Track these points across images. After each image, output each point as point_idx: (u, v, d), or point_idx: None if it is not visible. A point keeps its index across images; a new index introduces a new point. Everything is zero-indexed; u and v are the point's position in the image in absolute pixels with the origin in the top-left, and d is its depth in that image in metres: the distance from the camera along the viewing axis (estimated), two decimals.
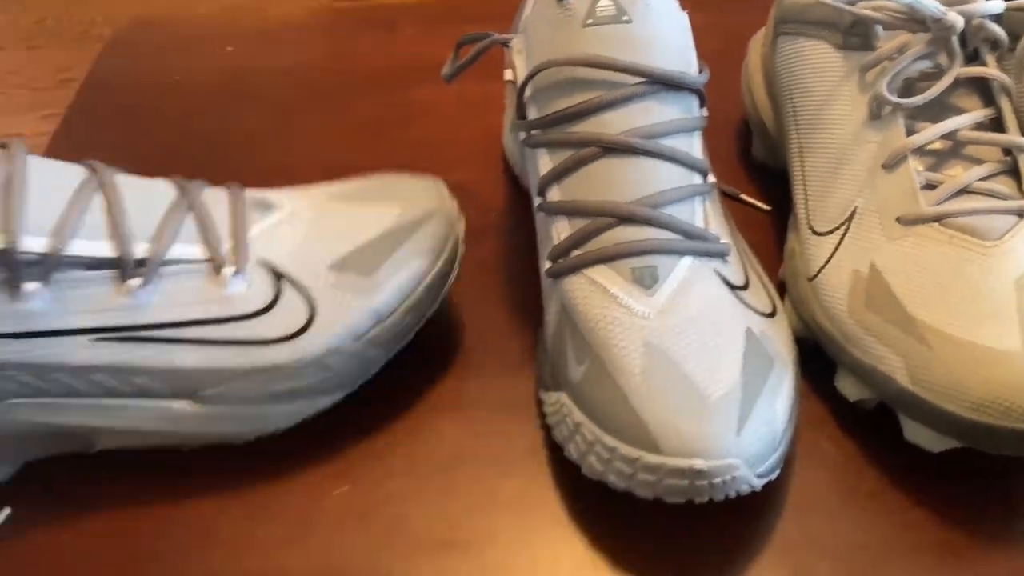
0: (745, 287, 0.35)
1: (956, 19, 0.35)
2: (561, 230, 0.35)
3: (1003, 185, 0.35)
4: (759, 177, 0.49)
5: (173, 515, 0.34)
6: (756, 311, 0.34)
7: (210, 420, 0.34)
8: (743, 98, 0.49)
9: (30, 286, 0.30)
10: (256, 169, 0.50)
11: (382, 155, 0.51)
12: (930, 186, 0.35)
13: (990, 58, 0.37)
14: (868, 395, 0.35)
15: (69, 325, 0.31)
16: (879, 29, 0.38)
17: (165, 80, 0.59)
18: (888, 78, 0.36)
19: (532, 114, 0.36)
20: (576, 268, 0.34)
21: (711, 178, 0.36)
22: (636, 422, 0.30)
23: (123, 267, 0.31)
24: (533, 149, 0.36)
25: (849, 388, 0.36)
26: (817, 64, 0.40)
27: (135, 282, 0.32)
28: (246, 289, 0.33)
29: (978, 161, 0.36)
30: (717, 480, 0.29)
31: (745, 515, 0.34)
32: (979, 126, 0.36)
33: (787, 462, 0.34)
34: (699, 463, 0.29)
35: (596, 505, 0.34)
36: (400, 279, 0.35)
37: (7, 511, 0.34)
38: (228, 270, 0.33)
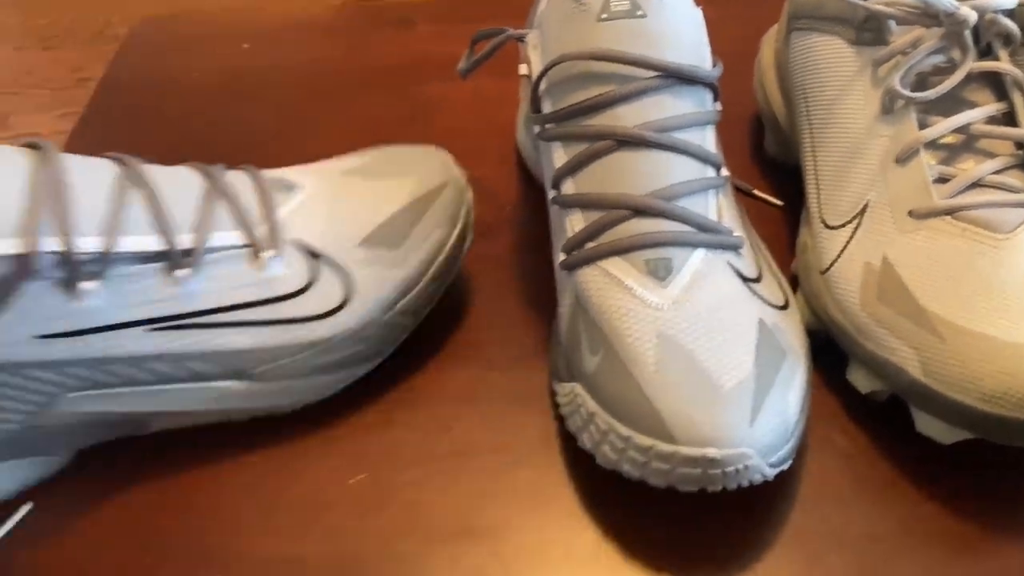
0: (758, 280, 0.35)
1: (969, 14, 0.35)
2: (575, 223, 0.35)
3: (1015, 179, 0.35)
4: (771, 173, 0.49)
5: (193, 503, 0.35)
6: (769, 303, 0.35)
7: (258, 396, 0.35)
8: (756, 94, 0.50)
9: (86, 285, 0.31)
10: (273, 165, 0.49)
11: None
12: (942, 180, 0.36)
13: (1003, 53, 0.37)
14: (880, 387, 0.35)
15: (124, 319, 0.32)
16: (892, 24, 0.38)
17: (182, 77, 0.60)
18: (901, 73, 0.37)
19: (547, 108, 0.37)
20: (590, 260, 0.34)
21: (724, 171, 0.36)
22: (650, 412, 0.30)
23: (171, 259, 0.32)
24: (548, 142, 0.37)
25: (861, 380, 0.36)
26: (830, 59, 0.40)
27: (183, 272, 0.33)
28: (285, 270, 0.35)
29: (990, 155, 0.36)
30: (730, 469, 0.30)
31: (758, 505, 0.34)
32: (991, 120, 0.36)
33: (799, 453, 0.35)
34: (712, 452, 0.29)
35: (609, 494, 0.34)
36: (424, 250, 0.37)
37: (29, 505, 0.34)
38: (267, 254, 0.34)
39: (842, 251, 0.37)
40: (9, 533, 0.34)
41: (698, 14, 0.37)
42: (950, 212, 0.35)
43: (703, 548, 0.33)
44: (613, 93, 0.35)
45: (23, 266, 0.29)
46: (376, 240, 0.36)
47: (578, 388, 0.33)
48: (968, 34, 0.36)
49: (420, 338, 0.41)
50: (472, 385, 0.39)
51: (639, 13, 0.35)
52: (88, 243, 0.30)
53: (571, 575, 0.32)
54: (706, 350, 0.32)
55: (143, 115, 0.57)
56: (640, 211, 0.34)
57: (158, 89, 0.59)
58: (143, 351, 0.32)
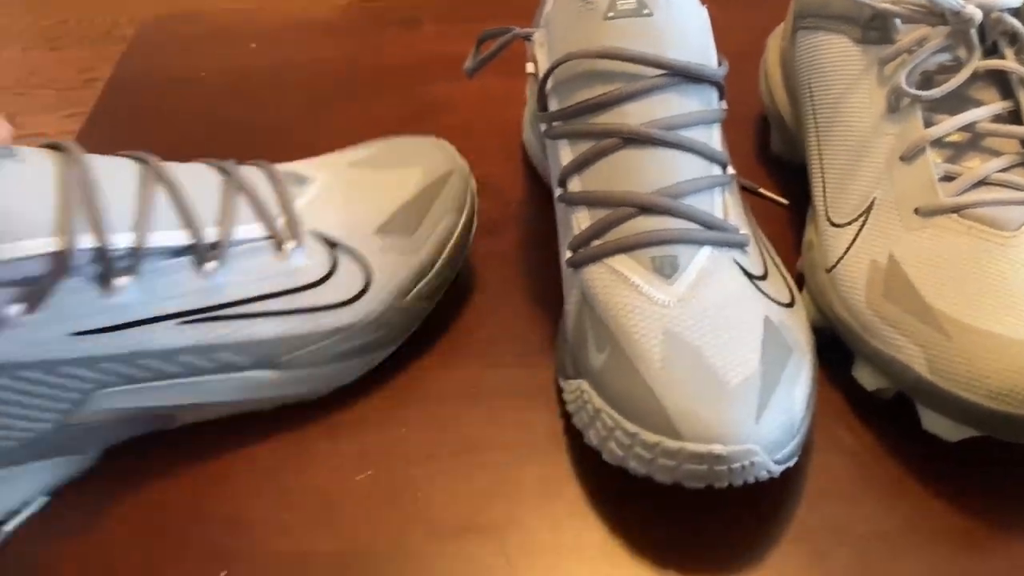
0: (764, 277, 0.36)
1: (975, 12, 0.36)
2: (581, 220, 0.35)
3: (1021, 177, 0.35)
4: (777, 172, 0.49)
5: (203, 501, 0.35)
6: (775, 301, 0.35)
7: (285, 384, 0.36)
8: (761, 93, 0.50)
9: (120, 280, 0.31)
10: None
11: None
12: (948, 178, 0.36)
13: (1009, 51, 0.37)
14: (886, 385, 0.35)
15: (156, 313, 0.32)
16: (898, 23, 0.38)
17: (189, 77, 0.60)
18: (907, 71, 0.37)
19: (553, 106, 0.37)
20: (596, 257, 0.35)
21: (730, 169, 0.36)
22: (656, 408, 0.31)
23: (199, 252, 0.33)
24: (554, 140, 0.37)
25: (867, 378, 0.36)
26: (836, 58, 0.40)
27: (211, 265, 0.33)
28: (306, 260, 0.35)
29: (996, 153, 0.36)
30: (736, 465, 0.30)
31: (763, 501, 0.34)
32: (997, 118, 0.37)
33: (805, 450, 0.35)
34: (718, 448, 0.29)
35: (616, 490, 0.34)
36: (437, 236, 0.39)
37: (45, 498, 0.35)
38: (289, 245, 0.35)
39: (848, 249, 0.37)
40: (22, 524, 0.34)
41: (704, 13, 0.37)
42: (956, 210, 0.35)
43: (709, 544, 0.33)
44: (620, 91, 0.35)
45: (60, 264, 0.30)
46: (391, 228, 0.38)
47: (584, 385, 0.33)
48: (974, 32, 0.36)
49: (427, 335, 0.41)
50: (479, 382, 0.39)
51: (645, 11, 0.35)
52: (121, 239, 0.31)
53: (578, 571, 0.33)
54: (712, 347, 0.32)
55: (150, 115, 0.57)
56: (646, 209, 0.34)
57: (165, 89, 0.59)
58: (174, 344, 0.33)
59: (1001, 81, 0.37)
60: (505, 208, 0.48)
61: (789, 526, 0.33)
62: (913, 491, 0.34)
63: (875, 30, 0.39)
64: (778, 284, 0.36)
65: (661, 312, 0.33)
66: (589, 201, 0.35)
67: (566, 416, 0.36)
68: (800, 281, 0.40)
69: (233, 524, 0.34)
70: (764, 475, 0.30)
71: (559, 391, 0.37)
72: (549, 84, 0.37)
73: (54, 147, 0.32)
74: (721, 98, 0.37)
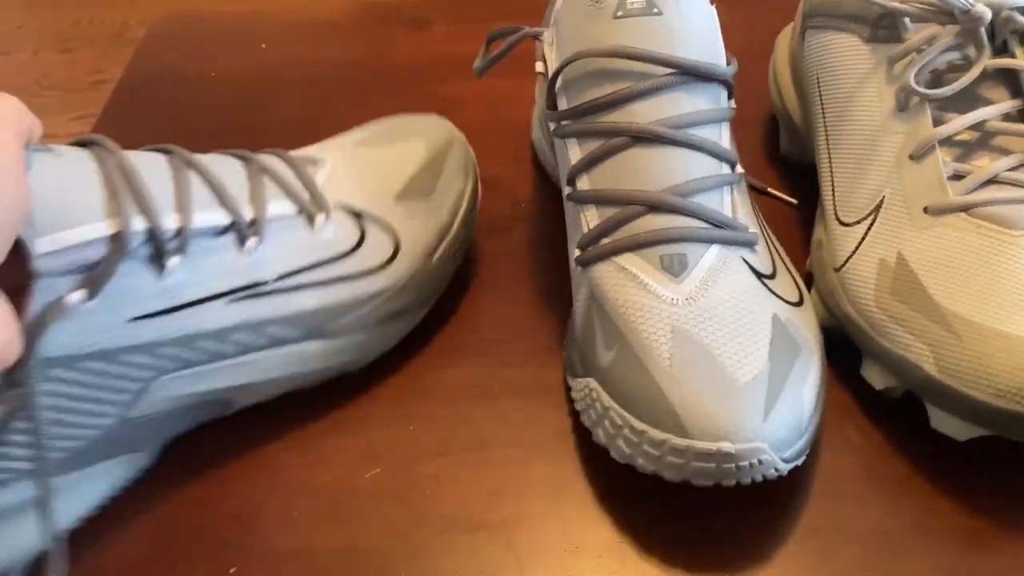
0: (772, 276, 0.36)
1: (984, 11, 0.36)
2: (590, 218, 0.36)
3: None
4: (786, 172, 0.49)
5: (212, 498, 0.35)
6: (783, 299, 0.35)
7: (333, 354, 0.37)
8: (770, 93, 0.50)
9: (172, 260, 0.32)
10: None
11: None
12: (957, 176, 0.36)
13: (1018, 50, 0.37)
14: (894, 383, 0.35)
15: (206, 292, 0.33)
16: (907, 21, 0.38)
17: (200, 77, 0.60)
18: (916, 69, 0.37)
19: (563, 105, 0.37)
20: (605, 256, 0.35)
21: (739, 168, 0.36)
22: (664, 406, 0.31)
23: (239, 230, 0.34)
24: (563, 139, 0.37)
25: (875, 377, 0.36)
26: (845, 57, 0.40)
27: (252, 242, 0.34)
28: (336, 231, 0.37)
29: (1005, 152, 0.36)
30: (744, 463, 0.30)
31: (771, 499, 0.34)
32: (1007, 117, 0.37)
33: (813, 448, 0.35)
34: (726, 446, 0.30)
35: (624, 488, 0.34)
36: (451, 198, 0.41)
37: None
38: (320, 217, 0.36)
39: (857, 248, 0.37)
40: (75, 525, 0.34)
41: (713, 12, 0.37)
42: (965, 209, 0.35)
43: (716, 542, 0.33)
44: (629, 90, 0.35)
45: (117, 246, 0.30)
46: (409, 194, 0.40)
47: (593, 383, 0.34)
48: (983, 31, 0.36)
49: (436, 333, 0.41)
50: (487, 380, 0.39)
51: (655, 11, 0.35)
52: (168, 220, 0.32)
53: (586, 568, 0.33)
54: (721, 345, 0.32)
55: (161, 114, 0.57)
56: (655, 207, 0.34)
57: (176, 89, 0.59)
58: (226, 323, 0.34)
59: (1010, 80, 0.37)
60: (514, 207, 0.48)
61: (797, 524, 0.33)
62: (921, 490, 0.34)
63: (884, 29, 0.39)
64: (787, 283, 0.36)
65: (670, 310, 0.33)
66: (598, 199, 0.35)
67: (575, 414, 0.37)
68: (809, 280, 0.40)
69: (243, 521, 0.35)
70: (772, 473, 0.30)
71: (568, 389, 0.37)
72: (558, 83, 0.37)
73: (82, 144, 0.32)
74: (730, 97, 0.37)
